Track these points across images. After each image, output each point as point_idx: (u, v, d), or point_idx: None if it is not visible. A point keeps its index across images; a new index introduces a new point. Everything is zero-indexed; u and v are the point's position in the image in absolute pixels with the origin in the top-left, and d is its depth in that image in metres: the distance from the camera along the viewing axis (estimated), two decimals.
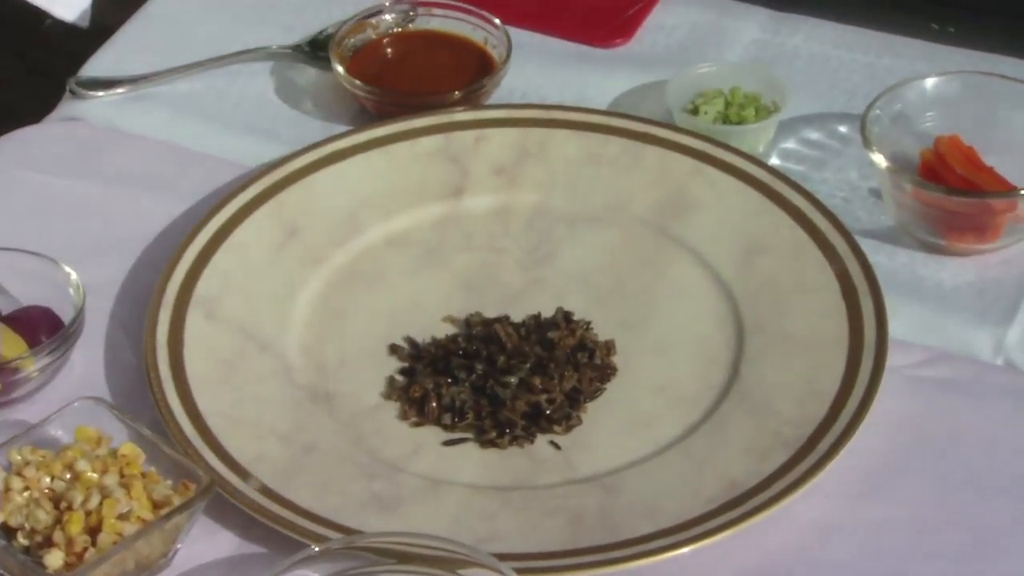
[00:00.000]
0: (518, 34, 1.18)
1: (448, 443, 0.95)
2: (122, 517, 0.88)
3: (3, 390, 0.96)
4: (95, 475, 0.89)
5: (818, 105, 1.16)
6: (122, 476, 0.90)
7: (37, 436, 0.92)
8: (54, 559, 0.86)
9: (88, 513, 0.87)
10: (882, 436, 0.94)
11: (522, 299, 1.02)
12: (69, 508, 0.88)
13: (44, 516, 0.88)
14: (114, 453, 0.91)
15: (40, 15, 1.28)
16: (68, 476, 0.90)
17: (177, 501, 0.88)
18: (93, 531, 0.87)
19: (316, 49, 1.20)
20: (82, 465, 0.89)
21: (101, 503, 0.87)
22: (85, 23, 1.19)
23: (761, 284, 1.02)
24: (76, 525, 0.87)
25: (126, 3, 1.29)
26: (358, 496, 0.92)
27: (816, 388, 0.95)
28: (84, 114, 1.16)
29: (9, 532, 0.88)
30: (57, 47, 1.23)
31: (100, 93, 1.17)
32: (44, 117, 1.17)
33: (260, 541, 0.90)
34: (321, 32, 1.21)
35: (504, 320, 1.00)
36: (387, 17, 1.19)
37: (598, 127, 1.11)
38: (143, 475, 0.90)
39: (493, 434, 0.95)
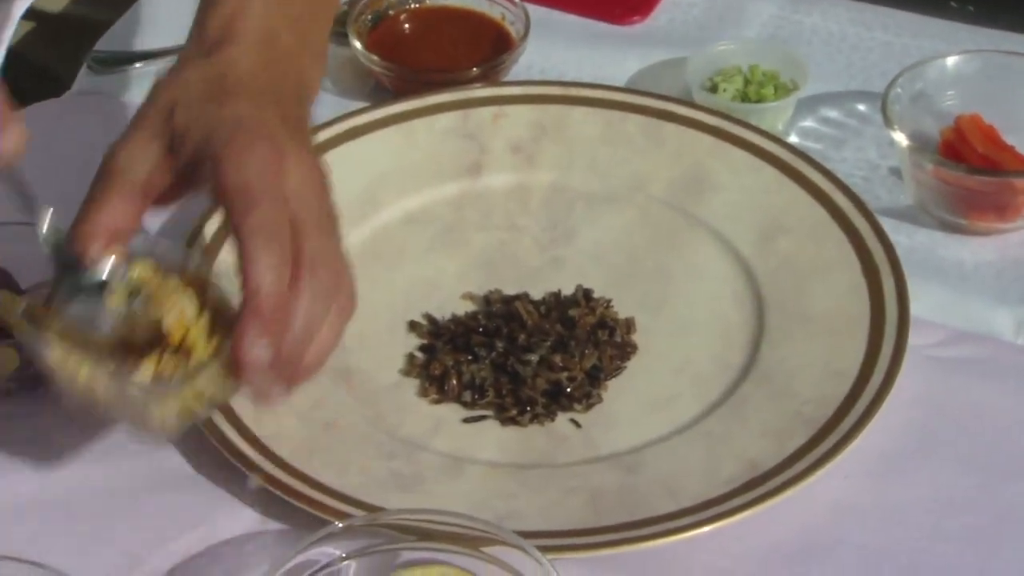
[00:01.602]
0: (536, 11, 1.18)
1: (468, 420, 0.95)
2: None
3: (21, 365, 0.96)
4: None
5: (837, 84, 1.15)
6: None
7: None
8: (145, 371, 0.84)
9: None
10: (902, 416, 0.94)
11: (541, 277, 1.02)
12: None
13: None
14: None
15: None
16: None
17: None
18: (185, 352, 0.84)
19: (334, 24, 1.19)
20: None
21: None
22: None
23: (781, 263, 1.02)
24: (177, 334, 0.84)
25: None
26: (378, 474, 0.92)
27: (836, 368, 0.95)
28: (102, 88, 1.16)
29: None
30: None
31: (117, 67, 1.17)
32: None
33: (282, 518, 0.90)
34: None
35: (524, 297, 1.00)
36: None
37: (616, 104, 1.10)
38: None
39: (514, 412, 0.95)
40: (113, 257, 0.86)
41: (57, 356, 0.84)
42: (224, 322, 0.85)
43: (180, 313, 0.85)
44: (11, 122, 0.82)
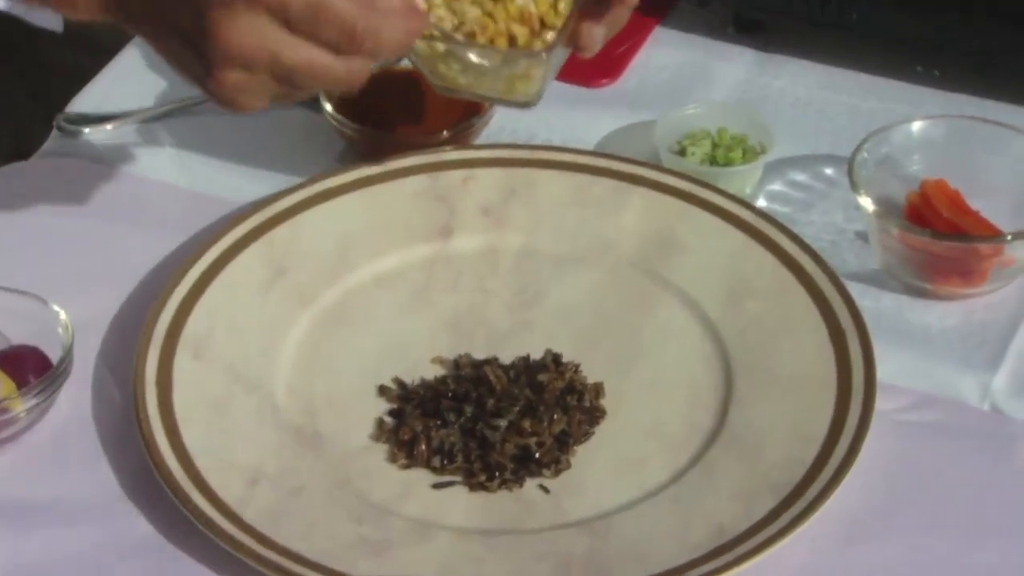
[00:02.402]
0: None
1: (437, 486, 0.95)
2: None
3: None
4: None
5: (804, 147, 1.16)
6: None
7: None
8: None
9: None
10: (869, 480, 0.95)
11: (510, 340, 1.02)
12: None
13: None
14: None
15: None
16: None
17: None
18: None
19: None
20: None
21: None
22: (59, 28, 1.19)
23: (748, 326, 1.02)
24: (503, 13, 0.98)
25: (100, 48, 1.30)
26: (347, 539, 0.91)
27: (804, 432, 0.96)
28: (72, 150, 1.16)
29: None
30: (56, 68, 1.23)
31: (87, 129, 1.17)
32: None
33: None
34: None
35: (493, 362, 1.00)
36: None
37: (585, 167, 1.11)
38: None
39: (482, 477, 0.95)
40: None
41: (421, 48, 0.98)
42: None
43: None
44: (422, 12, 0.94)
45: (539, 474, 0.95)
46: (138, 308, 1.04)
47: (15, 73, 1.12)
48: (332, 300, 1.05)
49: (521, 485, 0.95)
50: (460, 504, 0.94)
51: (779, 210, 1.11)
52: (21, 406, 0.96)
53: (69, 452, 0.97)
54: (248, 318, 1.03)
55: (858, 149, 1.08)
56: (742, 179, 1.12)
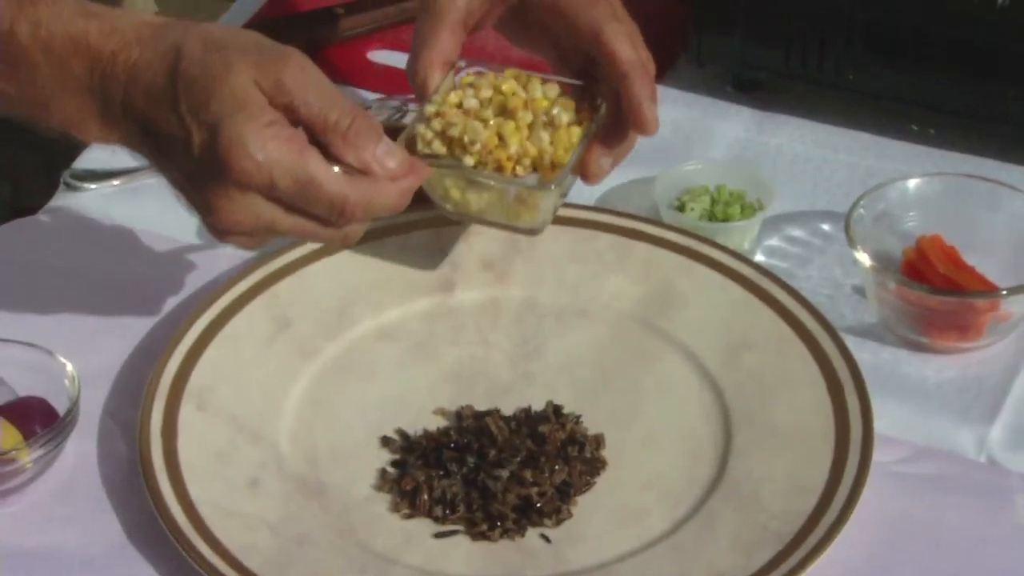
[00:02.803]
0: None
1: (439, 535, 0.96)
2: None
3: None
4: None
5: (801, 203, 1.18)
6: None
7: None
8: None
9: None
10: (867, 530, 0.95)
11: (512, 392, 1.04)
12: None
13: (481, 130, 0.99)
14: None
15: None
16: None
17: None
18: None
19: None
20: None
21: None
22: None
23: (747, 378, 1.04)
24: (515, 136, 0.99)
25: None
26: None
27: (803, 483, 0.97)
28: (78, 206, 1.18)
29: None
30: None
31: (94, 185, 1.19)
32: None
33: None
34: None
35: (495, 413, 1.01)
36: (379, 112, 1.21)
37: (586, 223, 1.12)
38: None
39: (484, 527, 0.95)
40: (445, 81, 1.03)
41: (431, 177, 0.99)
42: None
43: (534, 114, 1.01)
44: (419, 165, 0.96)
45: (541, 523, 0.96)
46: (144, 360, 1.05)
47: (15, 128, 1.14)
48: (335, 353, 1.06)
49: (523, 534, 0.96)
50: (462, 553, 0.95)
51: (777, 265, 1.12)
52: (28, 456, 0.96)
53: (75, 502, 0.98)
54: (252, 370, 1.04)
55: (855, 205, 1.09)
56: (740, 234, 1.13)
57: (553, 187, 0.99)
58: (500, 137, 1.00)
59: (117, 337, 1.07)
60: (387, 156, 0.93)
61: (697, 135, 1.24)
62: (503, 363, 1.06)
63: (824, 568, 0.92)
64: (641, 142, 1.23)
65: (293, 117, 0.92)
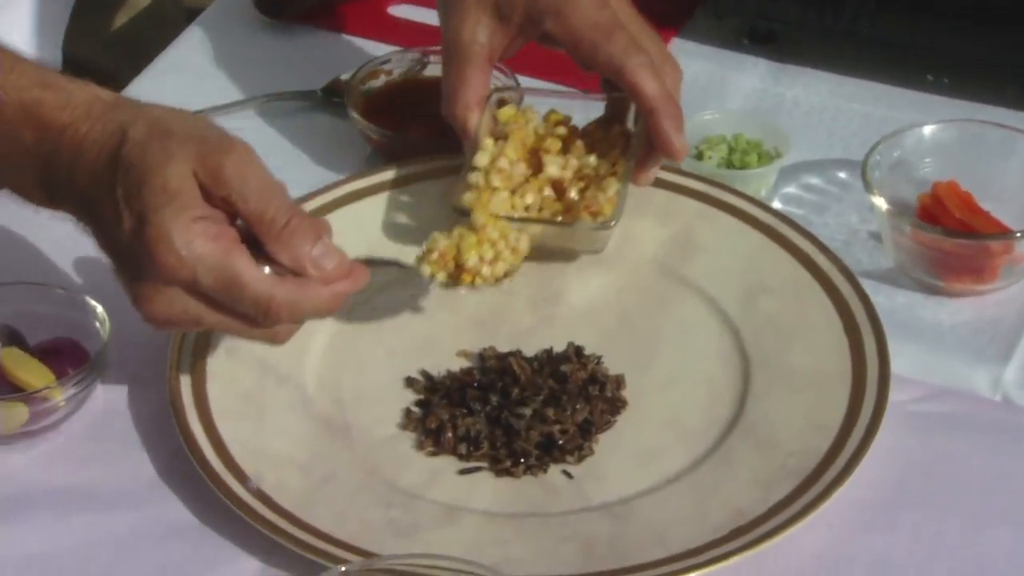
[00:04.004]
0: (528, 81, 1.21)
1: (463, 472, 0.98)
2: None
3: (29, 419, 0.99)
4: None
5: (817, 152, 1.19)
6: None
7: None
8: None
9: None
10: (883, 468, 0.97)
11: (533, 335, 1.05)
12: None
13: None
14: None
15: None
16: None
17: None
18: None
19: (330, 95, 1.24)
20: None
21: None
22: (57, 65, 1.21)
23: (765, 322, 1.05)
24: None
25: (139, 54, 1.33)
26: (376, 523, 0.94)
27: (820, 422, 0.98)
28: None
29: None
30: None
31: None
32: None
33: (282, 566, 0.93)
34: (336, 78, 1.24)
35: (517, 354, 1.03)
36: (400, 64, 1.22)
37: None
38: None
39: (508, 463, 0.97)
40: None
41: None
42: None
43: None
44: (355, 281, 0.95)
45: (563, 460, 0.98)
46: None
47: None
48: (361, 298, 1.07)
49: (545, 471, 0.97)
50: (486, 489, 0.97)
51: (794, 212, 1.14)
52: (60, 396, 0.98)
53: (107, 441, 1.00)
54: None
55: (871, 152, 1.10)
56: (758, 182, 1.14)
57: (613, 224, 1.04)
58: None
59: None
60: (324, 258, 0.92)
61: (714, 87, 1.25)
62: (525, 307, 1.07)
63: (841, 504, 0.94)
64: None
65: (231, 211, 0.91)
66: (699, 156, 1.16)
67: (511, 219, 1.03)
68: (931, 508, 0.96)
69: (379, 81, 1.22)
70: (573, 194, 1.06)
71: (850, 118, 1.22)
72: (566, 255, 1.10)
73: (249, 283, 0.90)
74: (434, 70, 1.22)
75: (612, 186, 1.05)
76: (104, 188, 0.90)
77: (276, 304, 0.91)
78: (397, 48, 1.25)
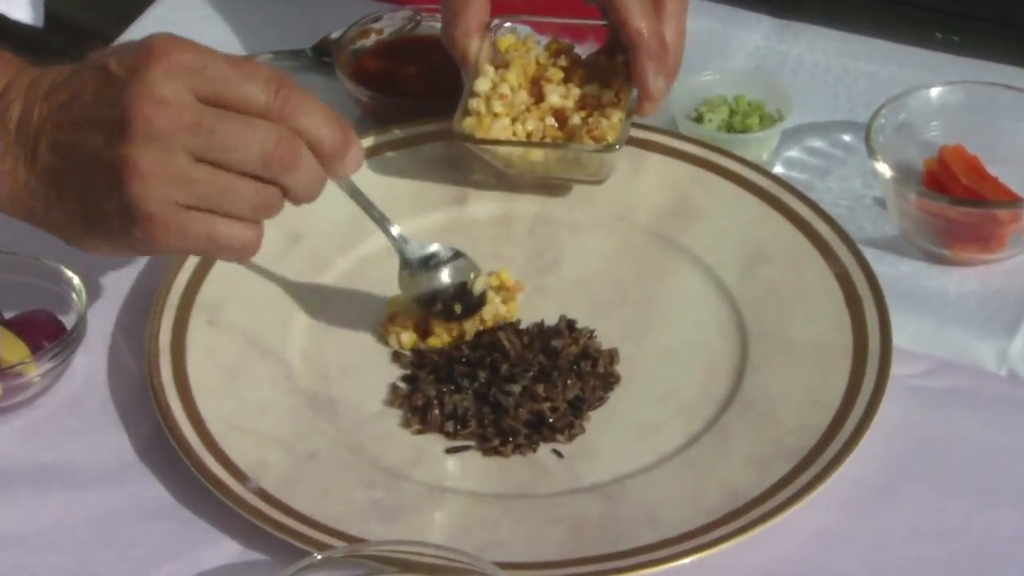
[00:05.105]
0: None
1: (450, 451, 0.95)
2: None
3: (4, 395, 0.96)
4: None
5: (822, 114, 1.16)
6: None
7: None
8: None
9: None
10: (884, 445, 0.94)
11: (525, 306, 1.02)
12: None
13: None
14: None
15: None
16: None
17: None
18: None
19: (319, 54, 1.20)
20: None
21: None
22: (40, 23, 1.18)
23: (764, 292, 1.02)
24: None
25: (124, 12, 1.30)
26: (360, 504, 0.92)
27: (819, 398, 0.95)
28: None
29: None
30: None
31: None
32: None
33: (263, 549, 0.90)
34: (325, 37, 1.21)
35: (507, 328, 1.00)
36: (391, 22, 1.19)
37: None
38: None
39: (496, 442, 0.95)
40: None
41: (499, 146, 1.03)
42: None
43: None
44: (354, 143, 0.91)
45: (553, 439, 0.95)
46: (153, 275, 1.04)
47: None
48: (347, 267, 1.05)
49: (535, 450, 0.95)
50: (474, 469, 0.94)
51: (796, 177, 1.11)
52: (35, 371, 0.96)
53: (84, 417, 0.98)
54: (263, 285, 1.03)
55: (876, 115, 1.07)
56: (759, 146, 1.11)
57: (617, 147, 1.02)
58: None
59: None
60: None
61: (715, 44, 1.22)
62: (517, 277, 1.04)
63: (840, 483, 0.91)
64: None
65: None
66: (699, 119, 1.12)
67: (513, 143, 1.02)
68: (932, 486, 0.93)
69: (370, 40, 1.18)
70: (576, 120, 1.03)
71: (856, 77, 1.19)
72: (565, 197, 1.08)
73: (260, 66, 0.89)
74: (427, 28, 1.19)
75: (615, 114, 1.03)
76: (85, 71, 0.88)
77: (288, 86, 0.88)
78: (389, 5, 1.22)
